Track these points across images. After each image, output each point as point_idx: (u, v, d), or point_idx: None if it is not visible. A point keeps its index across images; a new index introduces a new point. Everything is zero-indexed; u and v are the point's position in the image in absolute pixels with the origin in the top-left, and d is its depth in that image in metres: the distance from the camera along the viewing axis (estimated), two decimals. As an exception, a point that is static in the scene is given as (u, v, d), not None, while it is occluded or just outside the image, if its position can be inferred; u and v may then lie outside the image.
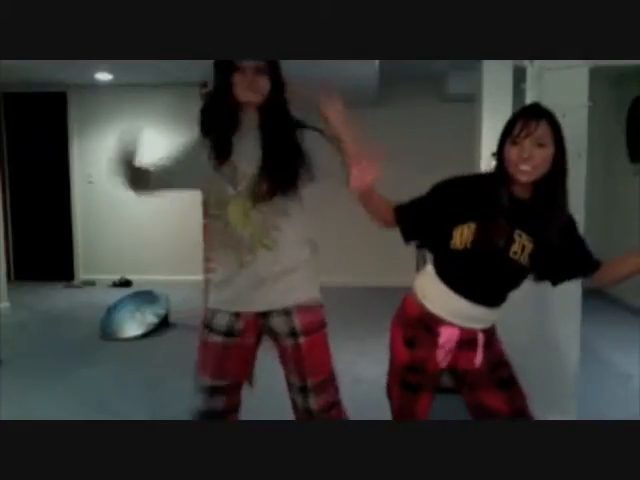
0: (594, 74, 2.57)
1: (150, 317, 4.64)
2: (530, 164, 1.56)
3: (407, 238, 1.73)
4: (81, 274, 6.87)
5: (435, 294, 1.71)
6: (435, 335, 1.69)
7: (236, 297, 1.75)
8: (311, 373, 1.76)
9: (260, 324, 1.77)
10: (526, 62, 2.66)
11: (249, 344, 1.79)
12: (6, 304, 5.38)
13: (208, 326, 1.77)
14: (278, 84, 1.76)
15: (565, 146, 1.60)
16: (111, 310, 4.70)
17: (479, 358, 1.69)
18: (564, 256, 1.66)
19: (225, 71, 1.72)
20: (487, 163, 2.53)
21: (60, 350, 4.22)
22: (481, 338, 1.70)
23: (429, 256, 1.79)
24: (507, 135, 1.61)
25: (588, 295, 2.73)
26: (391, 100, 6.36)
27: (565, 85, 2.54)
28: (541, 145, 1.56)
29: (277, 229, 1.74)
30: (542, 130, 1.56)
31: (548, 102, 2.53)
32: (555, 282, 1.73)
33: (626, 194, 5.68)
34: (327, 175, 1.76)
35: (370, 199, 1.66)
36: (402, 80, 6.06)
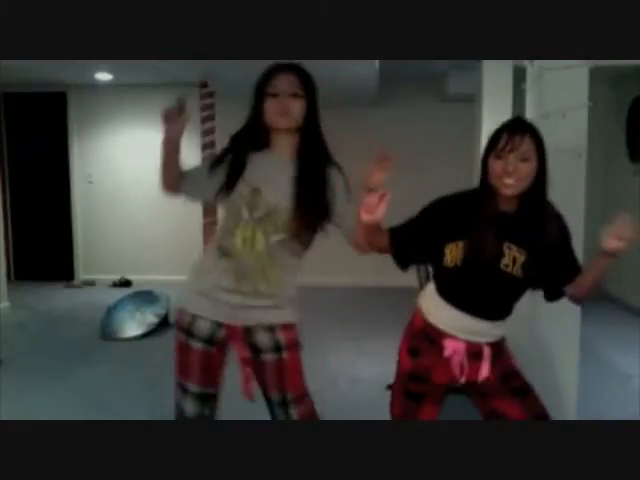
0: (594, 74, 2.57)
1: (150, 317, 4.64)
2: (514, 178, 1.56)
3: (403, 266, 1.77)
4: (81, 274, 6.87)
5: (437, 309, 1.73)
6: (439, 348, 1.70)
7: (220, 309, 1.72)
8: (291, 387, 1.75)
9: (241, 337, 1.75)
10: (526, 62, 2.66)
11: (224, 352, 1.77)
12: (6, 304, 5.38)
13: (188, 330, 1.74)
14: (313, 109, 1.72)
15: (547, 160, 1.61)
16: (111, 310, 4.70)
17: (485, 370, 1.68)
18: (554, 264, 1.65)
19: (258, 97, 1.70)
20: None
21: (60, 350, 4.22)
22: (487, 351, 1.69)
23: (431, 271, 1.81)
24: (491, 149, 1.61)
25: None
26: (391, 100, 6.36)
27: (565, 85, 2.54)
28: (525, 159, 1.57)
29: (283, 266, 1.72)
30: (526, 145, 1.57)
31: (548, 102, 2.55)
32: (548, 295, 1.71)
33: (626, 194, 5.68)
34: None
35: (376, 231, 1.67)
36: (402, 80, 6.06)
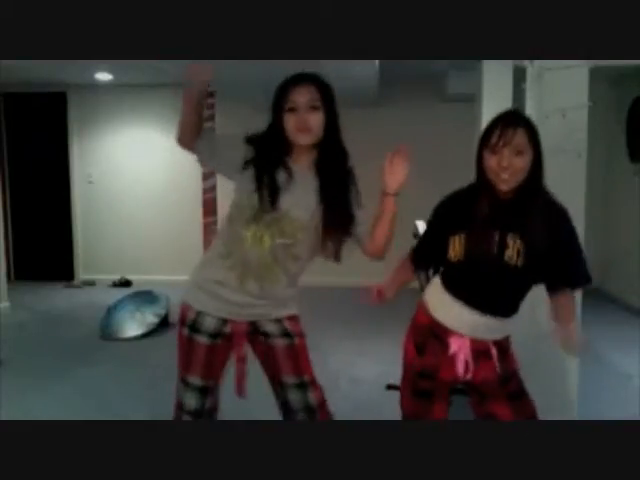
0: (594, 74, 2.57)
1: (150, 317, 4.64)
2: (509, 172, 1.56)
3: (417, 266, 1.87)
4: (81, 274, 6.87)
5: (443, 305, 1.73)
6: (445, 345, 1.70)
7: (226, 307, 1.73)
8: (306, 370, 1.78)
9: (248, 329, 1.77)
10: (526, 62, 2.66)
11: (229, 346, 1.78)
12: (6, 304, 5.37)
13: (192, 326, 1.75)
14: (333, 120, 1.71)
15: (542, 151, 1.61)
16: (111, 310, 4.70)
17: (492, 370, 1.69)
18: (555, 258, 1.63)
19: (276, 112, 1.68)
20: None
21: (60, 350, 4.22)
22: (494, 350, 1.70)
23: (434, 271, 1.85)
24: (485, 144, 1.60)
25: (588, 295, 2.73)
26: (391, 100, 6.35)
27: (565, 85, 2.54)
28: (519, 153, 1.56)
29: (286, 269, 1.73)
30: (520, 138, 1.56)
31: (548, 102, 2.55)
32: (550, 288, 1.70)
33: (626, 194, 5.68)
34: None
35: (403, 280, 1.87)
36: (402, 80, 6.06)
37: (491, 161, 1.58)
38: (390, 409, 3.03)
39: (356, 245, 1.77)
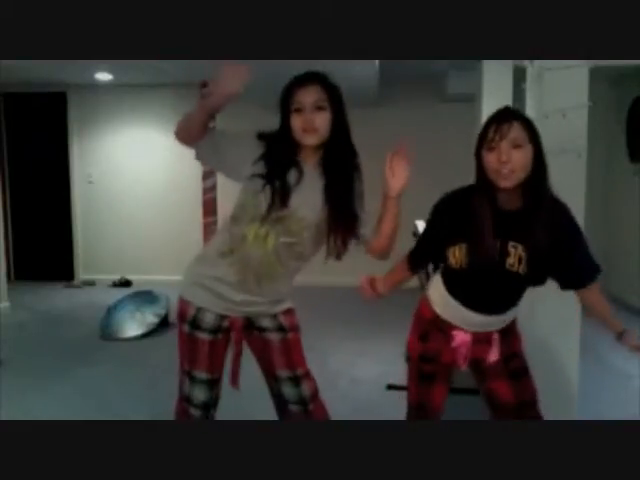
0: (594, 74, 2.57)
1: (150, 317, 4.64)
2: (509, 167, 1.54)
3: (413, 268, 1.86)
4: (81, 274, 6.87)
5: (444, 302, 1.76)
6: (448, 336, 1.74)
7: (224, 304, 1.75)
8: (299, 364, 1.82)
9: (245, 323, 1.80)
10: (526, 62, 2.66)
11: (227, 339, 1.81)
12: (6, 304, 5.37)
13: (193, 323, 1.76)
14: (341, 119, 1.70)
15: (542, 145, 1.59)
16: (111, 310, 4.70)
17: (494, 355, 1.73)
18: (563, 260, 1.63)
19: (283, 113, 1.68)
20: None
21: (60, 350, 4.22)
22: (496, 337, 1.74)
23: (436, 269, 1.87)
24: (482, 142, 1.60)
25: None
26: (391, 100, 6.36)
27: (565, 85, 2.54)
28: (517, 146, 1.54)
29: (287, 267, 1.74)
30: (516, 131, 1.54)
31: (548, 102, 2.55)
32: (567, 287, 1.70)
33: (626, 194, 5.68)
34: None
35: (394, 281, 1.87)
36: (402, 80, 6.06)
37: (490, 158, 1.57)
38: (390, 409, 3.03)
39: (359, 245, 1.77)
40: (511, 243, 1.60)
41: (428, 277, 3.55)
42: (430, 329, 1.79)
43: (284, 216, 1.68)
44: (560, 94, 2.53)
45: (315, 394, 1.84)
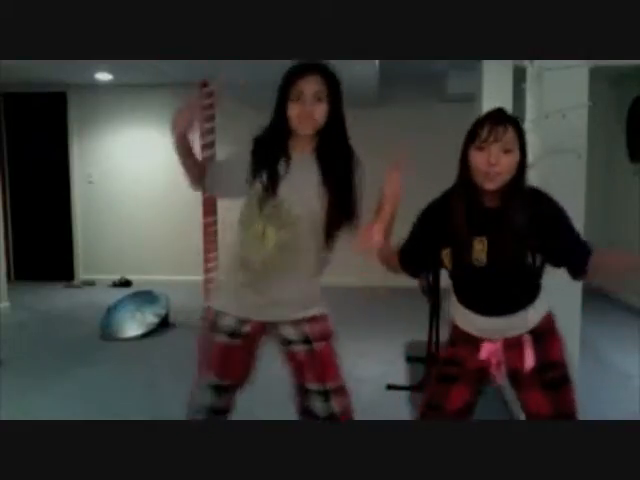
0: (594, 74, 2.57)
1: (150, 317, 4.64)
2: (497, 170, 1.52)
3: (412, 275, 1.80)
4: (81, 274, 6.87)
5: (461, 315, 1.73)
6: (477, 349, 1.68)
7: (243, 307, 1.74)
8: (329, 377, 1.75)
9: (267, 330, 1.77)
10: (526, 62, 2.66)
11: (252, 347, 1.79)
12: (6, 304, 5.37)
13: (213, 326, 1.76)
14: (337, 110, 1.69)
15: (527, 153, 1.58)
16: (111, 310, 4.70)
17: (529, 361, 1.64)
18: (553, 248, 1.60)
19: (281, 101, 1.67)
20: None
21: (60, 350, 4.21)
22: (527, 339, 1.66)
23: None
24: (472, 140, 1.56)
25: (588, 295, 2.73)
26: (391, 100, 6.35)
27: (565, 85, 2.53)
28: (508, 151, 1.53)
29: (295, 263, 1.72)
30: (510, 136, 1.53)
31: (548, 102, 2.55)
32: (571, 273, 1.65)
33: (626, 194, 5.68)
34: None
35: (387, 254, 1.74)
36: (402, 80, 6.06)
37: (478, 158, 1.54)
38: (390, 409, 3.04)
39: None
40: (482, 238, 1.58)
41: (428, 284, 3.57)
42: (460, 340, 1.74)
43: (276, 207, 1.67)
44: (560, 94, 2.53)
45: (346, 409, 1.77)
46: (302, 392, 1.77)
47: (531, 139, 1.60)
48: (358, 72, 4.55)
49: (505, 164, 1.53)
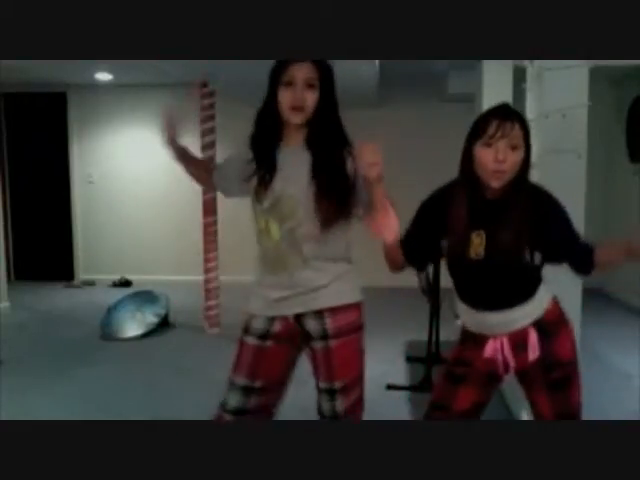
0: (594, 74, 2.57)
1: (150, 317, 4.64)
2: (504, 167, 1.51)
3: (418, 268, 1.82)
4: (81, 274, 6.87)
5: (465, 313, 1.73)
6: (482, 347, 1.67)
7: (267, 303, 1.74)
8: (339, 376, 1.71)
9: (296, 327, 1.74)
10: (526, 62, 2.66)
11: (286, 349, 1.76)
12: (6, 304, 5.38)
13: (246, 328, 1.77)
14: (328, 99, 1.68)
15: (531, 151, 1.58)
16: (111, 310, 4.70)
17: (532, 350, 1.61)
18: (553, 244, 1.60)
19: (272, 85, 1.66)
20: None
21: (60, 350, 4.22)
22: (532, 333, 1.63)
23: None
24: (478, 136, 1.55)
25: (588, 295, 2.73)
26: (391, 100, 6.36)
27: (565, 85, 2.54)
28: (514, 147, 1.52)
29: (304, 253, 1.70)
30: (516, 132, 1.52)
31: (548, 102, 2.55)
32: (574, 268, 1.64)
33: (626, 194, 5.68)
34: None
35: (393, 249, 1.72)
36: (402, 80, 6.06)
37: (485, 154, 1.53)
38: (390, 409, 3.04)
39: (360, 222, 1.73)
40: (481, 232, 1.58)
41: (428, 284, 3.56)
42: (468, 339, 1.74)
43: (275, 199, 1.68)
44: (560, 94, 2.53)
45: (352, 411, 1.72)
46: (317, 391, 1.77)
47: (531, 139, 1.60)
48: (358, 72, 4.55)
49: (511, 161, 1.52)
